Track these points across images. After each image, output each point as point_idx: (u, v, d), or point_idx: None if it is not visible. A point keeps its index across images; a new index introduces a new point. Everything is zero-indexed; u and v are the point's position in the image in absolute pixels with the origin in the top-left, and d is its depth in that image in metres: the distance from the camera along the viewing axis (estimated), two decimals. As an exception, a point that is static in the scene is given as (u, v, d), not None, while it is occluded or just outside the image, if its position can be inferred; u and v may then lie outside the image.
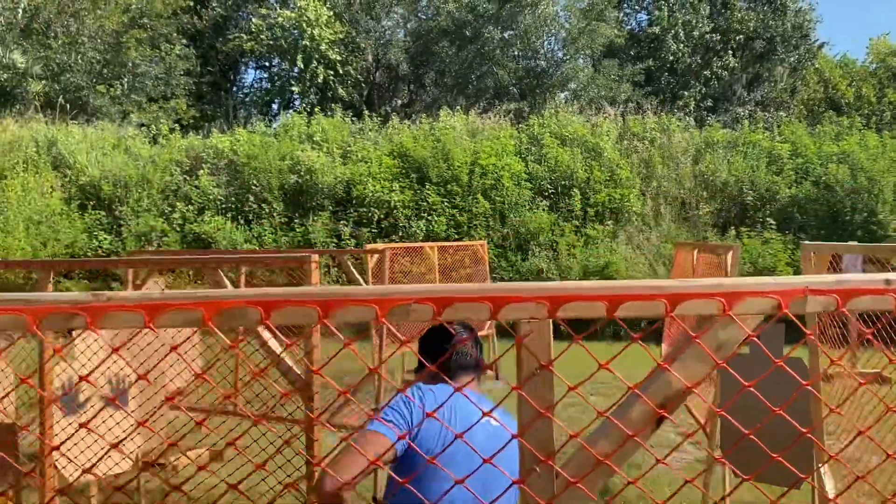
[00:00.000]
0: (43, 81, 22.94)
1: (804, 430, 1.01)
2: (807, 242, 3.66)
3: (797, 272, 13.85)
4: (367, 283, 7.81)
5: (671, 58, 23.93)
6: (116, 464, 4.34)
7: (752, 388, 1.02)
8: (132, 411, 4.52)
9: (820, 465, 3.50)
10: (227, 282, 2.77)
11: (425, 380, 2.17)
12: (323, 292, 0.93)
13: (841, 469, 3.98)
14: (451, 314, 0.94)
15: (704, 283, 0.94)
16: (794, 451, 3.76)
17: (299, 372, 2.81)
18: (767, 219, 14.90)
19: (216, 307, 0.92)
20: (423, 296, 0.93)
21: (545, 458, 0.94)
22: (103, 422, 4.27)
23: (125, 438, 1.19)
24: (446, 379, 2.11)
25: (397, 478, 1.71)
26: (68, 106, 21.19)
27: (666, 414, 0.94)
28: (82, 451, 4.29)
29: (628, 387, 0.95)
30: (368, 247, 9.20)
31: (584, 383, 0.96)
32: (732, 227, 15.07)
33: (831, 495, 3.53)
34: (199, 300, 0.92)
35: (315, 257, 2.62)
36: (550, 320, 0.95)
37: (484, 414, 1.00)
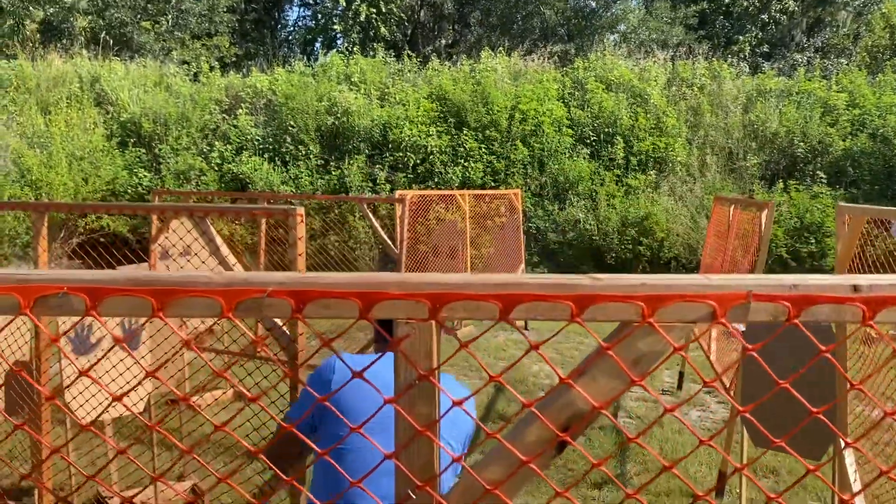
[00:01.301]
0: (89, 17, 23.03)
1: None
2: (842, 204, 3.38)
3: (846, 229, 13.28)
4: (395, 230, 7.71)
5: (727, 0, 22.81)
6: (128, 406, 4.36)
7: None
8: (144, 355, 4.51)
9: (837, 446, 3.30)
10: (213, 231, 2.65)
11: (378, 347, 2.05)
12: (160, 280, 0.78)
13: (865, 445, 3.76)
14: (314, 310, 0.78)
15: (622, 281, 0.76)
16: (815, 424, 3.56)
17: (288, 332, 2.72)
18: (818, 172, 14.27)
19: (35, 293, 0.78)
20: (278, 288, 0.78)
21: (423, 483, 0.79)
22: (116, 366, 4.27)
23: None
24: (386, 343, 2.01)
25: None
26: (111, 42, 21.25)
27: (568, 438, 0.78)
28: (93, 395, 4.32)
29: (524, 403, 0.79)
30: (398, 193, 9.05)
31: (468, 398, 0.80)
32: (780, 180, 14.48)
33: (850, 471, 3.34)
34: (16, 284, 0.78)
35: (300, 210, 2.48)
36: (433, 322, 0.79)
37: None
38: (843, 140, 14.54)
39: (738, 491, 4.65)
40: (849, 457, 3.18)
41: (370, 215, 5.23)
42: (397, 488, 0.81)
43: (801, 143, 14.67)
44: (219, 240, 2.49)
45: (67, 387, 1.33)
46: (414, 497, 0.79)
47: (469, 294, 0.77)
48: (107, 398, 4.33)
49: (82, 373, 0.82)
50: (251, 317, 0.79)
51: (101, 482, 0.88)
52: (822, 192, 13.75)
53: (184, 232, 6.21)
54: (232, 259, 2.52)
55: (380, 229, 5.26)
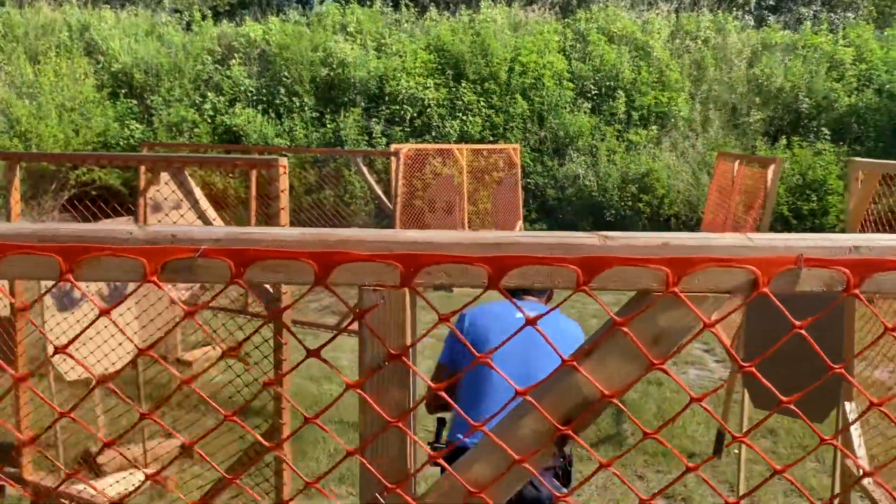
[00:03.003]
0: (78, -37, 22.39)
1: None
2: (856, 159, 3.20)
3: (848, 186, 13.07)
4: (391, 184, 7.57)
5: (734, -50, 22.18)
6: (113, 363, 4.24)
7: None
8: (129, 309, 4.38)
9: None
10: (192, 184, 2.49)
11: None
12: (72, 235, 0.63)
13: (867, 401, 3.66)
14: (260, 275, 0.64)
15: (639, 241, 0.61)
16: (819, 386, 3.46)
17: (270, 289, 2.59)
18: (822, 128, 14.01)
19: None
20: (214, 246, 0.63)
21: (393, 485, 0.65)
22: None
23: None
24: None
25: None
26: (101, -11, 20.69)
27: (570, 432, 0.64)
28: (77, 349, 4.20)
29: (517, 391, 0.65)
30: (394, 147, 8.85)
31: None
32: (784, 136, 14.23)
33: (855, 435, 3.23)
34: None
35: (283, 161, 2.32)
36: (406, 290, 0.64)
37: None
38: (849, 96, 14.26)
39: (736, 451, 4.58)
40: (855, 425, 3.08)
41: (364, 170, 5.06)
42: (365, 492, 0.67)
43: (806, 99, 14.39)
44: (198, 192, 2.34)
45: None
46: (382, 501, 0.65)
47: (451, 256, 0.62)
48: (93, 355, 4.22)
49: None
50: (182, 281, 0.64)
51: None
52: (825, 149, 13.53)
53: (176, 185, 6.04)
54: (212, 213, 2.37)
55: (374, 184, 5.09)
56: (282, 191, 2.32)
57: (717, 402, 5.54)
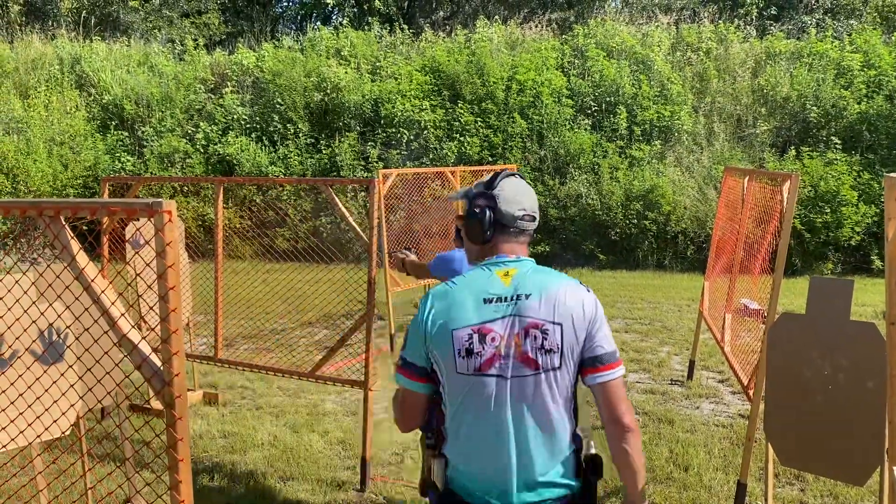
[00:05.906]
0: (75, -4, 22.37)
1: None
2: (893, 175, 2.69)
3: (862, 196, 12.57)
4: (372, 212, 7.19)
5: (733, -40, 21.84)
6: (51, 425, 3.79)
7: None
8: (71, 364, 3.93)
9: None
10: (69, 236, 2.02)
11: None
12: None
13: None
14: None
15: None
16: (858, 437, 2.93)
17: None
18: (832, 137, 13.52)
19: None
20: None
21: None
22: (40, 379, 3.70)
23: None
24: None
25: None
26: (92, 19, 20.53)
27: None
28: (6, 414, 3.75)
29: None
30: (382, 172, 8.44)
31: None
32: (792, 147, 13.76)
33: None
34: None
35: (169, 206, 1.84)
36: None
37: None
38: (858, 103, 13.78)
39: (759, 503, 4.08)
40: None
41: (336, 199, 4.63)
42: None
43: (814, 108, 13.92)
44: (75, 246, 1.89)
45: None
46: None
47: None
48: (28, 418, 3.77)
49: None
50: None
51: None
52: (836, 159, 13.04)
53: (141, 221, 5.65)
54: (92, 269, 1.92)
55: (347, 214, 4.65)
56: (168, 244, 1.83)
57: (736, 441, 5.04)
